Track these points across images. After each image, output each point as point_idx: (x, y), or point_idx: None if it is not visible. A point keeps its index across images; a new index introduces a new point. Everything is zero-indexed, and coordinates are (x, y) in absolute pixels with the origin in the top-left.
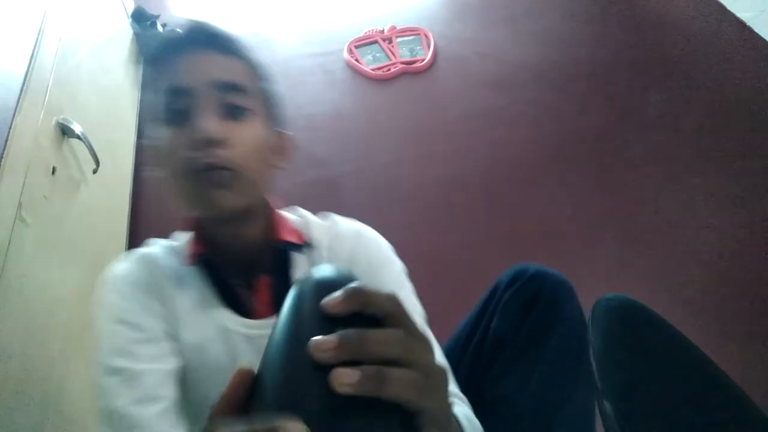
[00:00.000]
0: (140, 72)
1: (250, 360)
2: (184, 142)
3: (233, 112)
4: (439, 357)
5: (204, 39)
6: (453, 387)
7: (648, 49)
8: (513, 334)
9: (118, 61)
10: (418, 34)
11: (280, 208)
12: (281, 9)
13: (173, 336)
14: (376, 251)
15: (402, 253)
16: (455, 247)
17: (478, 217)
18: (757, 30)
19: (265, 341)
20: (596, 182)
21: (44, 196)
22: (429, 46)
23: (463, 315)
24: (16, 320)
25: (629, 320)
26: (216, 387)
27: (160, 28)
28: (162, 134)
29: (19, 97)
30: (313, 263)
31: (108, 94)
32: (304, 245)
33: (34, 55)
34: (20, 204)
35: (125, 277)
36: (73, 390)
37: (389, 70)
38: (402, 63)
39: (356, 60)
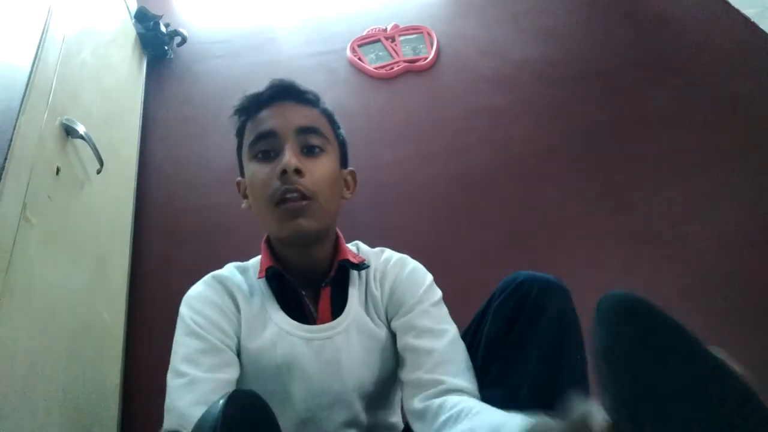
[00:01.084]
0: (143, 72)
1: (308, 361)
2: (272, 174)
3: (311, 151)
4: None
5: (286, 92)
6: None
7: (651, 47)
8: (502, 341)
9: (121, 61)
10: (421, 33)
11: (341, 236)
12: (284, 8)
13: (240, 343)
14: (416, 279)
15: (403, 251)
16: (457, 246)
17: (480, 216)
18: (762, 26)
19: (322, 344)
20: (599, 180)
21: (48, 197)
22: (432, 45)
23: (465, 314)
24: (21, 319)
25: (635, 316)
26: (278, 386)
27: (163, 29)
28: (253, 169)
29: (23, 98)
30: (365, 281)
31: (112, 95)
32: (360, 265)
33: (38, 55)
34: (25, 204)
35: (197, 296)
36: (77, 389)
37: (392, 68)
38: (405, 61)
39: (359, 58)
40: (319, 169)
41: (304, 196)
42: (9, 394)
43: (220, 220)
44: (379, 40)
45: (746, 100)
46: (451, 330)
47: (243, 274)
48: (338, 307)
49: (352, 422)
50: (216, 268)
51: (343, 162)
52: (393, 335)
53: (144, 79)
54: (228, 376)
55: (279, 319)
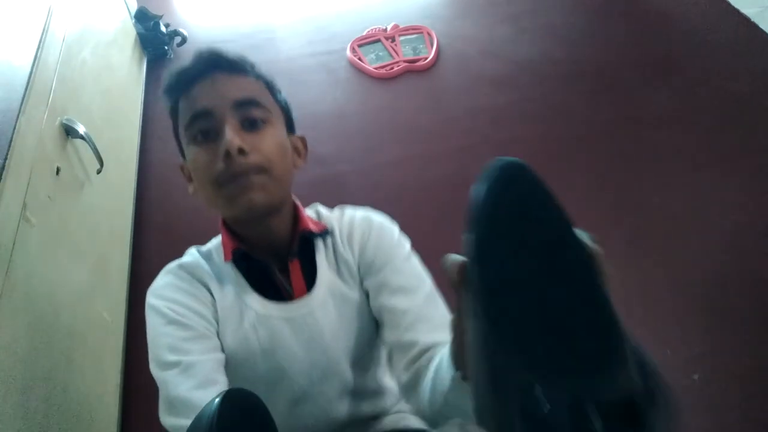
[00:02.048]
0: (143, 72)
1: (292, 341)
2: (214, 157)
3: (252, 125)
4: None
5: (215, 64)
6: None
7: (652, 46)
8: None
9: (121, 61)
10: (421, 33)
11: (299, 204)
12: (284, 8)
13: (220, 332)
14: (384, 234)
15: None
16: (458, 246)
17: None
18: (762, 26)
19: (303, 320)
20: (601, 180)
21: (48, 197)
22: (432, 45)
23: None
24: (21, 319)
25: (517, 186)
26: (266, 371)
27: (163, 29)
28: (193, 153)
29: (23, 98)
30: (332, 248)
31: (112, 95)
32: (323, 233)
33: (38, 55)
34: (25, 204)
35: (167, 285)
36: (77, 389)
37: (392, 68)
38: (405, 61)
39: (359, 59)
40: (265, 143)
41: (253, 170)
42: (9, 394)
43: (219, 219)
44: (379, 40)
45: (746, 100)
46: (425, 285)
47: (208, 260)
48: (310, 277)
49: (345, 391)
50: None
51: (290, 128)
52: (367, 295)
53: (144, 79)
54: (220, 357)
55: (255, 304)
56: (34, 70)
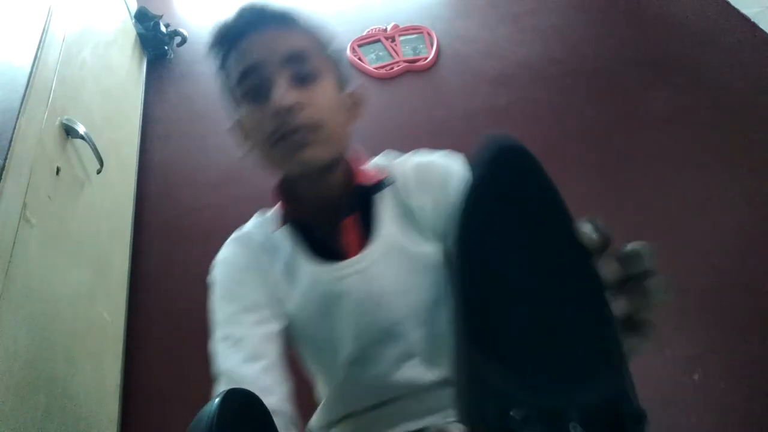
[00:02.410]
0: (143, 72)
1: (346, 301)
2: (266, 116)
3: (303, 79)
4: None
5: (262, 18)
6: None
7: (652, 46)
8: None
9: (121, 61)
10: (421, 33)
11: (359, 156)
12: (282, 3)
13: (277, 301)
14: (435, 174)
15: None
16: None
17: None
18: (762, 26)
19: (357, 278)
20: (600, 180)
21: (48, 197)
22: (432, 45)
23: None
24: (21, 319)
25: (514, 166)
26: (323, 333)
27: (163, 29)
28: (245, 113)
29: (24, 98)
30: (396, 196)
31: (112, 95)
32: (380, 184)
33: (38, 55)
34: (25, 204)
35: (225, 260)
36: (77, 389)
37: (392, 68)
38: (405, 61)
39: (359, 59)
40: (317, 98)
41: (306, 127)
42: (9, 394)
43: (220, 219)
44: (379, 40)
45: (746, 100)
46: None
47: (264, 227)
48: (369, 234)
49: (408, 355)
50: None
51: (342, 83)
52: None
53: (144, 79)
54: (271, 329)
55: (308, 267)
56: (34, 70)
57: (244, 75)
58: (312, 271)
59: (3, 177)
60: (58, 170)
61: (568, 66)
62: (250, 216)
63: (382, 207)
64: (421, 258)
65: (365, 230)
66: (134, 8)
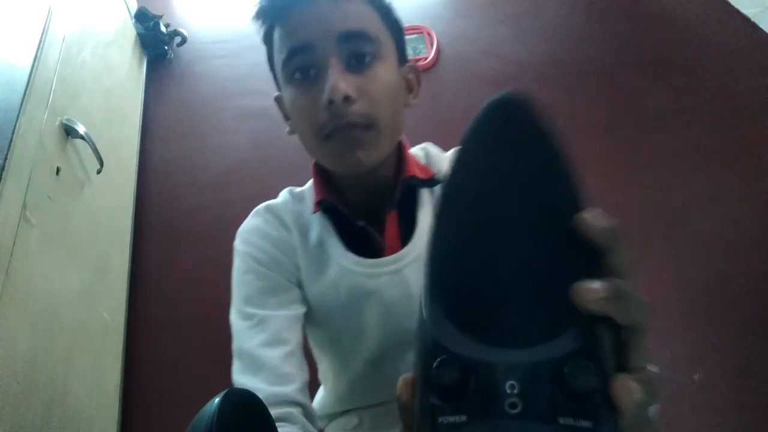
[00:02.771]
0: (143, 72)
1: (376, 298)
2: (316, 104)
3: (361, 61)
4: None
5: None
6: None
7: (652, 46)
8: None
9: (121, 61)
10: (421, 33)
11: (407, 144)
12: None
13: (300, 283)
14: None
15: None
16: None
17: None
18: (762, 26)
19: (390, 278)
20: (600, 180)
21: (48, 197)
22: (432, 45)
23: None
24: (21, 320)
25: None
26: (345, 327)
27: (163, 29)
28: (292, 94)
29: (23, 98)
30: (434, 196)
31: (112, 95)
32: (431, 180)
33: (38, 55)
34: (25, 204)
35: (254, 230)
36: (77, 389)
37: None
38: None
39: None
40: (375, 86)
41: (360, 126)
42: (9, 394)
43: (220, 219)
44: None
45: (746, 100)
46: None
47: (299, 203)
48: (409, 232)
49: None
50: (216, 268)
51: (401, 58)
52: None
53: (144, 79)
54: (296, 311)
55: (340, 256)
56: (34, 70)
57: (295, 51)
58: (343, 262)
59: (3, 177)
60: (58, 170)
61: (568, 66)
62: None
63: (423, 206)
64: None
65: (405, 227)
66: (134, 8)
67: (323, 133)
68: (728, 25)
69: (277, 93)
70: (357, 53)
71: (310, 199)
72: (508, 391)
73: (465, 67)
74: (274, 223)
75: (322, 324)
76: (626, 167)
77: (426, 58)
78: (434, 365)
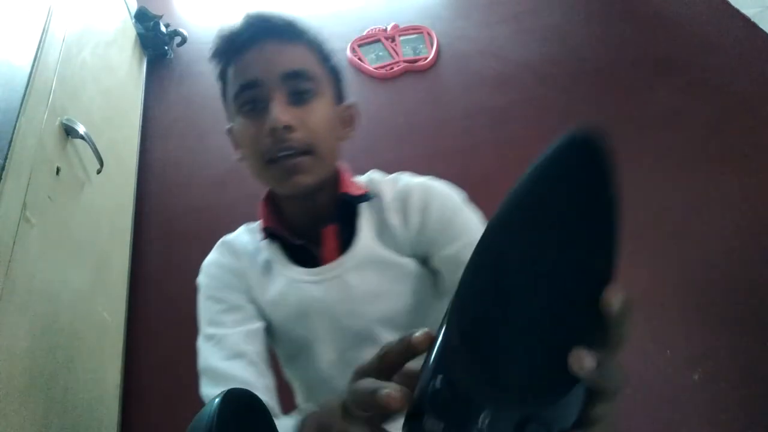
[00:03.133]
0: (143, 72)
1: (321, 304)
2: (261, 131)
3: (301, 97)
4: None
5: (265, 31)
6: None
7: (652, 47)
8: None
9: (121, 61)
10: (421, 33)
11: (345, 168)
12: (284, 8)
13: (254, 301)
14: (447, 206)
15: None
16: None
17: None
18: (762, 26)
19: (332, 283)
20: None
21: (49, 197)
22: (432, 45)
23: None
24: (22, 320)
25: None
26: (301, 334)
27: (163, 29)
28: (241, 124)
29: (24, 98)
30: (379, 211)
31: (112, 95)
32: (364, 196)
33: (38, 55)
34: (25, 204)
35: (211, 263)
36: (77, 389)
37: (392, 68)
38: (405, 61)
39: (359, 59)
40: (313, 118)
41: (298, 152)
42: (9, 395)
43: (220, 219)
44: (379, 40)
45: (746, 100)
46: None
47: (251, 234)
48: (348, 244)
49: None
50: None
51: (339, 97)
52: (421, 263)
53: (144, 79)
54: (254, 326)
55: (285, 270)
56: (34, 70)
57: (244, 87)
58: (288, 274)
59: (3, 177)
60: (58, 170)
61: (568, 66)
62: (250, 216)
63: (362, 220)
64: (396, 267)
65: (344, 240)
66: (134, 8)
67: (266, 158)
68: (728, 25)
69: (228, 125)
70: (298, 90)
71: (259, 230)
72: (479, 424)
73: (465, 67)
74: (226, 253)
75: (281, 337)
76: (625, 167)
77: (426, 58)
78: (435, 379)
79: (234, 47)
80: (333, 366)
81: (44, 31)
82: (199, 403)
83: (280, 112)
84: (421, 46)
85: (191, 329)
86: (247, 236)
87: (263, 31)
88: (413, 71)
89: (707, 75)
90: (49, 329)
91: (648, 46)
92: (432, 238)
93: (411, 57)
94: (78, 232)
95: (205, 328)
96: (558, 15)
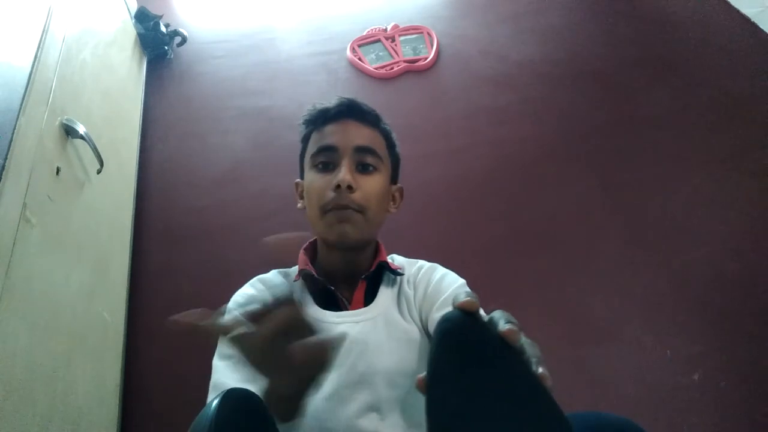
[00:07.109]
0: (143, 72)
1: (344, 342)
2: (327, 186)
3: (366, 168)
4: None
5: (350, 112)
6: None
7: (652, 46)
8: None
9: (121, 61)
10: (421, 33)
11: (381, 243)
12: (284, 8)
13: None
14: (444, 280)
15: (404, 251)
16: (457, 245)
17: (480, 216)
18: (762, 26)
19: (351, 326)
20: (599, 181)
21: (49, 197)
22: (432, 45)
23: None
24: (22, 320)
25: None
26: None
27: (163, 29)
28: (311, 178)
29: (23, 98)
30: (399, 285)
31: (112, 95)
32: (397, 271)
33: (38, 55)
34: (25, 204)
35: (241, 293)
36: (78, 389)
37: (392, 68)
38: (405, 61)
39: (359, 59)
40: (370, 186)
41: (353, 209)
42: (9, 394)
43: (220, 219)
44: (379, 40)
45: (746, 100)
46: None
47: (285, 277)
48: (370, 300)
49: (374, 406)
50: (216, 268)
51: (394, 178)
52: (425, 332)
53: (144, 79)
54: None
55: (311, 310)
56: (34, 70)
57: (322, 149)
58: (314, 314)
59: (3, 177)
60: (58, 170)
61: (568, 66)
62: (250, 216)
63: (384, 285)
64: (402, 329)
65: (368, 296)
66: (134, 8)
67: (325, 209)
68: (728, 25)
69: (297, 180)
70: (365, 162)
71: (294, 274)
72: None
73: (465, 67)
74: (260, 287)
75: None
76: (625, 167)
77: (426, 58)
78: None
79: (323, 118)
80: (326, 399)
81: (44, 31)
82: (199, 403)
83: (347, 174)
84: (421, 46)
85: None
86: (279, 278)
87: (350, 111)
88: (413, 71)
89: (707, 75)
90: (49, 329)
91: (648, 46)
92: (429, 302)
93: (411, 57)
94: (78, 231)
95: (223, 348)
96: (558, 15)
